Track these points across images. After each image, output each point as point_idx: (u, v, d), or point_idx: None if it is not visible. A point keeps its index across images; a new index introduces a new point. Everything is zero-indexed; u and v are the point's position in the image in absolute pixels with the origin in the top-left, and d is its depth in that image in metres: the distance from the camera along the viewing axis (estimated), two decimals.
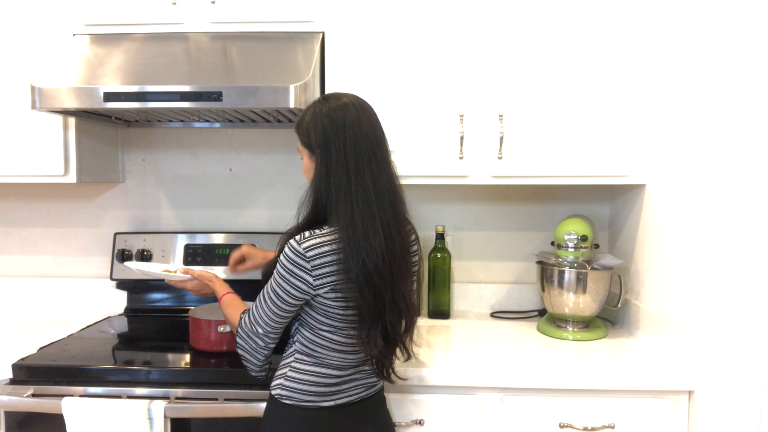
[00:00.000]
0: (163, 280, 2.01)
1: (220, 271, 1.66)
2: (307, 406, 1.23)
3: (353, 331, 1.22)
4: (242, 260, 1.64)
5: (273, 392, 1.26)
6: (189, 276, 1.48)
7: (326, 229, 1.19)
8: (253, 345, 1.24)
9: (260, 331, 1.23)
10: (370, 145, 1.21)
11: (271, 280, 1.22)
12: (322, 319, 1.21)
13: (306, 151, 1.26)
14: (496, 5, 1.72)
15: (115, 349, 1.67)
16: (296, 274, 1.17)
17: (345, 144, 1.19)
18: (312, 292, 1.18)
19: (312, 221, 1.23)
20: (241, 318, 1.28)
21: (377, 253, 1.16)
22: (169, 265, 1.68)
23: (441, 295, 2.03)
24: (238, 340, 1.27)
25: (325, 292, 1.18)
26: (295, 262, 1.17)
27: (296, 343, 1.25)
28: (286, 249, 1.18)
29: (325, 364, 1.23)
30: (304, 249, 1.16)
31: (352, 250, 1.16)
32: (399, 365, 1.37)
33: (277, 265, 1.20)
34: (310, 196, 1.23)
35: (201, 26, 1.78)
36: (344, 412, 1.25)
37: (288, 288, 1.18)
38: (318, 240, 1.17)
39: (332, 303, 1.19)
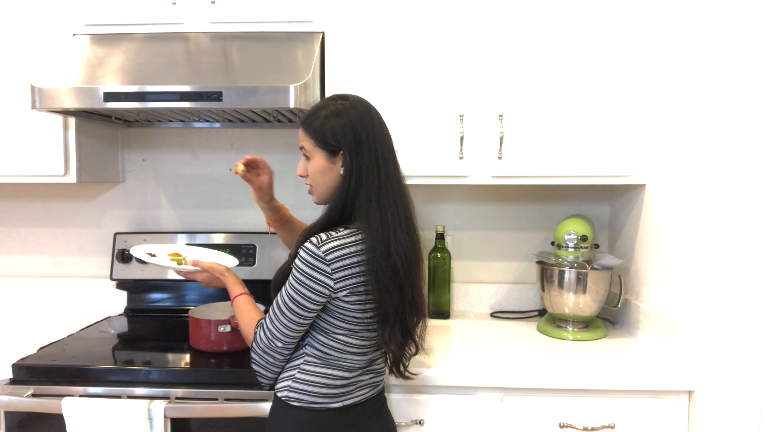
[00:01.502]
0: (165, 279, 2.05)
1: (226, 260, 1.62)
2: (315, 408, 1.22)
3: (367, 332, 1.22)
4: (256, 165, 1.47)
5: (279, 394, 1.24)
6: (199, 268, 1.41)
7: (343, 231, 1.18)
8: (270, 360, 1.22)
9: (279, 345, 1.20)
10: (391, 147, 1.24)
11: (287, 288, 1.18)
12: (338, 323, 1.20)
13: (322, 152, 1.22)
14: (496, 5, 1.72)
15: (115, 349, 1.67)
16: (316, 278, 1.15)
17: (375, 144, 1.20)
18: (332, 295, 1.17)
19: (335, 221, 1.22)
20: (255, 333, 1.23)
21: (405, 254, 1.19)
22: (177, 247, 1.64)
23: (441, 295, 2.03)
24: (253, 355, 1.23)
25: (345, 295, 1.17)
26: (314, 265, 1.15)
27: (307, 347, 1.23)
28: (303, 254, 1.16)
29: (335, 366, 1.22)
30: (323, 252, 1.14)
31: (383, 252, 1.16)
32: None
33: (294, 271, 1.17)
34: (339, 196, 1.21)
35: (201, 26, 1.78)
36: (350, 413, 1.25)
37: (307, 293, 1.16)
38: (337, 242, 1.16)
39: (350, 306, 1.18)
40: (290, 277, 1.18)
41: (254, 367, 1.24)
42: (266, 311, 1.25)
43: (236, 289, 1.37)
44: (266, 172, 1.47)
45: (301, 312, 1.17)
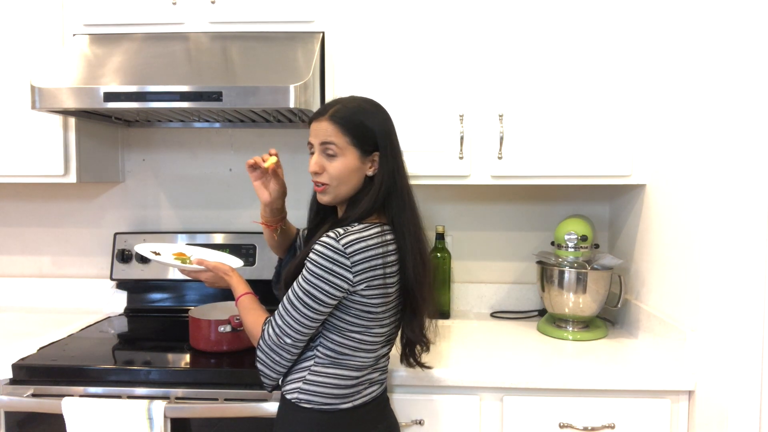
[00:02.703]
0: (165, 279, 2.05)
1: (230, 261, 1.61)
2: (326, 409, 1.21)
3: (380, 328, 1.22)
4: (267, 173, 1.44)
5: (289, 396, 1.23)
6: (203, 267, 1.39)
7: (358, 225, 1.19)
8: (277, 359, 1.19)
9: (288, 341, 1.18)
10: None
11: (300, 283, 1.16)
12: (353, 320, 1.19)
13: (356, 151, 1.22)
14: (496, 5, 1.72)
15: (115, 349, 1.67)
16: (336, 272, 1.14)
17: (399, 147, 1.28)
18: (350, 289, 1.16)
19: (365, 216, 1.24)
20: (263, 330, 1.20)
21: (427, 248, 1.29)
22: (181, 247, 1.63)
23: (441, 295, 2.03)
24: (259, 353, 1.20)
25: (362, 289, 1.16)
26: (334, 259, 1.14)
27: (319, 348, 1.22)
28: (321, 248, 1.14)
29: (346, 366, 1.21)
30: (343, 245, 1.14)
31: (421, 249, 1.24)
32: (400, 365, 1.38)
33: (309, 265, 1.15)
34: (371, 197, 1.23)
35: (201, 26, 1.78)
36: (359, 413, 1.24)
37: (326, 287, 1.14)
38: (355, 236, 1.16)
39: (367, 300, 1.17)
40: (304, 272, 1.16)
41: (259, 366, 1.21)
42: (271, 311, 1.24)
43: (241, 288, 1.34)
44: (281, 169, 1.48)
45: (316, 307, 1.15)
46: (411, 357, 1.34)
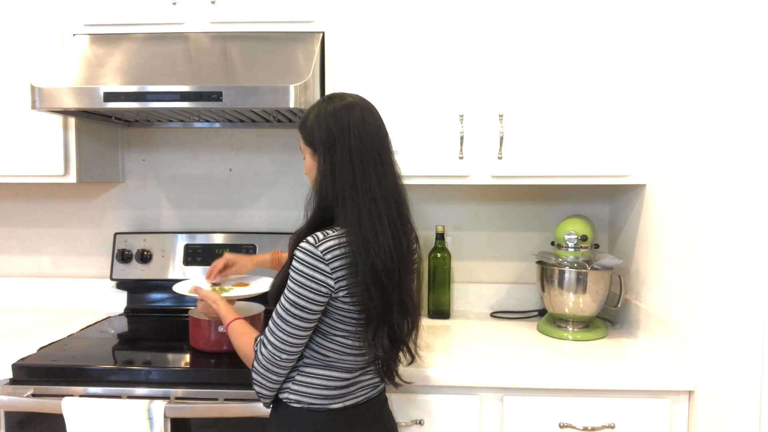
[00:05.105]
0: (165, 279, 2.04)
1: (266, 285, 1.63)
2: (316, 409, 1.21)
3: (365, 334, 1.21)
4: (225, 267, 1.62)
5: (280, 396, 1.23)
6: (197, 296, 1.44)
7: (337, 231, 1.17)
8: (274, 377, 1.19)
9: (283, 357, 1.17)
10: (375, 145, 1.20)
11: (286, 294, 1.16)
12: (337, 324, 1.19)
13: (308, 150, 1.24)
14: (496, 5, 1.72)
15: (115, 349, 1.67)
16: (316, 279, 1.13)
17: (350, 143, 1.17)
18: (332, 295, 1.15)
19: (318, 222, 1.21)
20: (255, 351, 1.20)
21: (386, 253, 1.15)
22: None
23: (441, 295, 2.03)
24: (255, 376, 1.19)
25: (343, 295, 1.15)
26: (313, 266, 1.13)
27: (306, 350, 1.22)
28: (300, 254, 1.14)
29: (335, 367, 1.22)
30: (322, 252, 1.13)
31: (360, 250, 1.14)
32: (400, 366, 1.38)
33: (292, 273, 1.15)
34: (315, 195, 1.21)
35: (201, 26, 1.78)
36: (351, 414, 1.24)
37: (309, 294, 1.14)
38: (334, 242, 1.14)
39: (349, 307, 1.17)
40: (289, 282, 1.16)
41: (256, 388, 1.21)
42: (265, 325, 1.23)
43: (229, 315, 1.34)
44: (227, 260, 1.62)
45: (304, 315, 1.15)
46: (384, 373, 1.27)
